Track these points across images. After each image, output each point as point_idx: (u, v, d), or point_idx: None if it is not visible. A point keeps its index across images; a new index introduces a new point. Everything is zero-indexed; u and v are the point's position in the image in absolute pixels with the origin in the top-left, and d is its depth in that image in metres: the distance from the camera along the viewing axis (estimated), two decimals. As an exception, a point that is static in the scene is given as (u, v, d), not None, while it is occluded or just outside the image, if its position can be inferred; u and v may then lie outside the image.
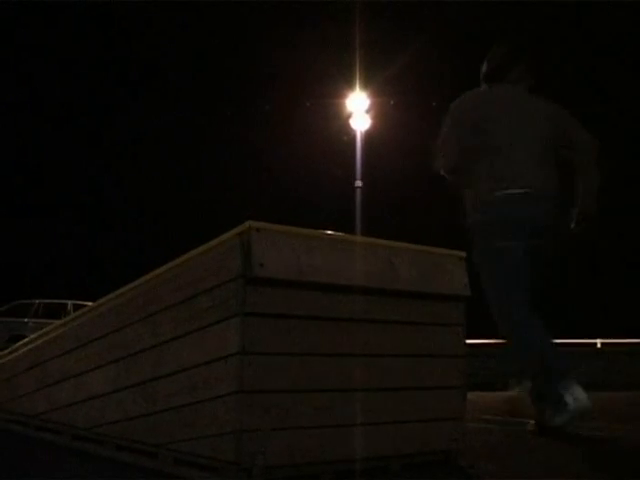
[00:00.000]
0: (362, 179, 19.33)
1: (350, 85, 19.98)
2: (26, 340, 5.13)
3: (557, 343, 4.65)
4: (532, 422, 4.66)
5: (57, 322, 4.85)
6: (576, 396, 4.30)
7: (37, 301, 20.81)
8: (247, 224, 3.01)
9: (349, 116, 20.20)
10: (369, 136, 20.17)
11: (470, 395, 3.75)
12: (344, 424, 3.22)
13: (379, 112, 20.47)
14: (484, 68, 5.00)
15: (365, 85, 20.02)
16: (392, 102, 20.93)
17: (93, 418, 3.99)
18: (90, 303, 5.79)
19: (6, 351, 5.41)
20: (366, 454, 3.27)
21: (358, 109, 20.04)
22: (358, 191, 19.27)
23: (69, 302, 20.33)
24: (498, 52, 5.02)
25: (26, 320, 19.82)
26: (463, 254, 3.77)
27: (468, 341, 3.80)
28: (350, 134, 20.02)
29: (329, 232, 3.41)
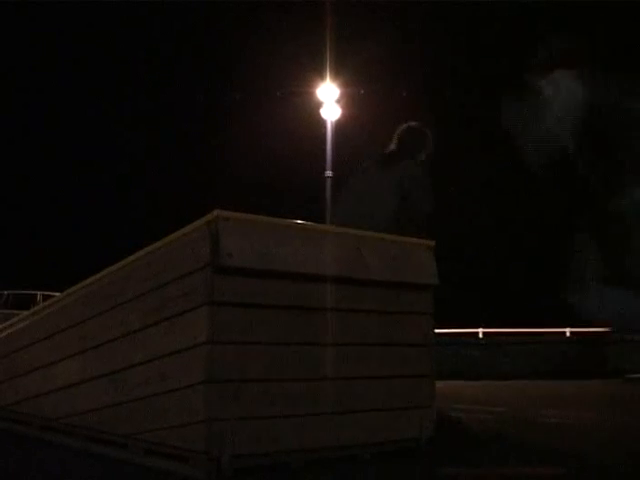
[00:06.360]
0: (332, 169, 19.31)
1: (320, 75, 19.94)
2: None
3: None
4: None
5: (25, 312, 4.81)
6: None
7: (6, 292, 20.55)
8: (215, 213, 3.00)
9: (319, 106, 20.17)
10: (339, 126, 20.16)
11: (439, 384, 3.78)
12: (314, 413, 3.24)
13: (349, 102, 20.44)
14: None
15: (335, 75, 19.99)
16: (362, 92, 20.88)
17: (63, 409, 3.97)
18: (59, 294, 5.74)
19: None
20: (337, 442, 3.29)
21: (328, 99, 20.03)
22: (328, 181, 19.24)
23: (38, 293, 20.10)
24: None
25: (-5, 311, 19.58)
26: (432, 243, 3.79)
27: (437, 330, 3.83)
28: (320, 124, 19.99)
29: (299, 222, 3.41)
